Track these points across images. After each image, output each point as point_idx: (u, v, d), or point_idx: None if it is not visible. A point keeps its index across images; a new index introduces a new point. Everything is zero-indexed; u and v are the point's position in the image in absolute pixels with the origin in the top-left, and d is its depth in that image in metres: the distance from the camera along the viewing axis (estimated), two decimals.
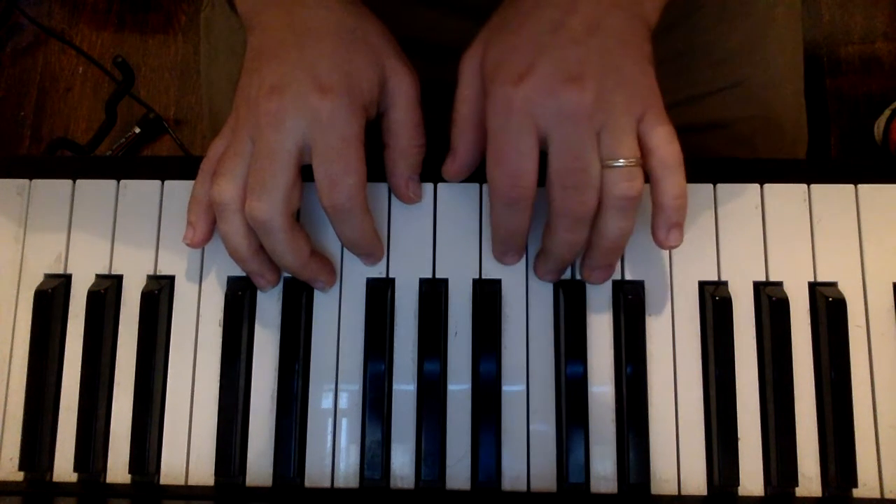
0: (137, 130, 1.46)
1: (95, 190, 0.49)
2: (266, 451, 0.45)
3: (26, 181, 0.49)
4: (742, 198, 0.47)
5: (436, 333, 0.45)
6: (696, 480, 0.44)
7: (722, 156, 0.60)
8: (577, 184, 0.40)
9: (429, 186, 0.47)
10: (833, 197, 0.47)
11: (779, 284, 0.46)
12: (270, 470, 0.45)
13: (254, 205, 0.41)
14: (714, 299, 0.45)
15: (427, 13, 0.57)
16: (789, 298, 0.45)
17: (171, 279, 0.47)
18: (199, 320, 0.47)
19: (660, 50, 0.42)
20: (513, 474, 0.45)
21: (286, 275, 0.47)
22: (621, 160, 0.40)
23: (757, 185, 0.47)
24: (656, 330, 0.46)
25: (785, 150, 0.64)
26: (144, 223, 0.48)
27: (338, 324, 0.46)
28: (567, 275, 0.46)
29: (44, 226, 0.48)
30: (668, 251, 0.47)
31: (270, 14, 0.44)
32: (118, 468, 0.46)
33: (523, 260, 0.47)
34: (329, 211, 0.42)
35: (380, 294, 0.46)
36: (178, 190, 0.48)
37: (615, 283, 0.46)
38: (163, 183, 0.49)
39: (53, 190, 0.49)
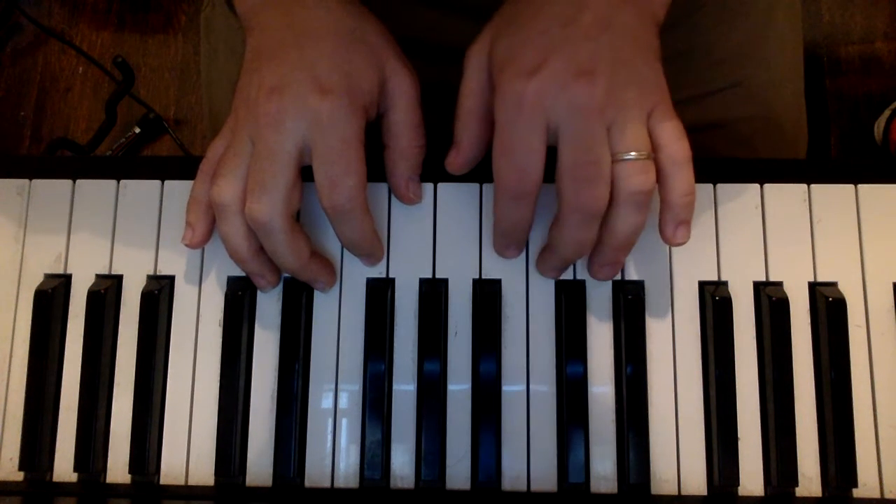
0: (137, 130, 1.46)
1: (95, 190, 0.49)
2: (266, 451, 0.45)
3: (26, 181, 0.49)
4: (742, 198, 0.47)
5: (436, 333, 0.45)
6: (696, 480, 0.44)
7: (722, 156, 0.60)
8: (589, 177, 0.39)
9: (429, 186, 0.47)
10: (833, 197, 0.47)
11: (779, 284, 0.46)
12: (270, 470, 0.45)
13: (254, 206, 0.41)
14: (714, 299, 0.45)
15: (427, 13, 0.57)
16: (789, 298, 0.45)
17: (171, 279, 0.47)
18: (199, 320, 0.47)
19: (660, 50, 0.42)
20: (513, 474, 0.45)
21: (286, 275, 0.47)
22: (633, 153, 0.39)
23: (757, 185, 0.47)
24: (656, 330, 0.46)
25: (785, 150, 0.64)
26: (144, 223, 0.48)
27: (338, 324, 0.46)
28: (567, 275, 0.46)
29: (44, 226, 0.48)
30: (668, 251, 0.47)
31: (270, 14, 0.44)
32: (118, 468, 0.46)
33: (523, 261, 0.47)
34: (329, 212, 0.42)
35: (380, 294, 0.46)
36: (178, 190, 0.48)
37: (615, 283, 0.46)
38: (163, 183, 0.49)
39: (53, 190, 0.49)
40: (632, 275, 0.47)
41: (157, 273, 0.48)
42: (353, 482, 0.45)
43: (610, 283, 0.46)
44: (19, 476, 0.46)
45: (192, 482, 0.45)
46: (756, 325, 0.46)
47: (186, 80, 1.53)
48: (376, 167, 0.46)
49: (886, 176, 0.47)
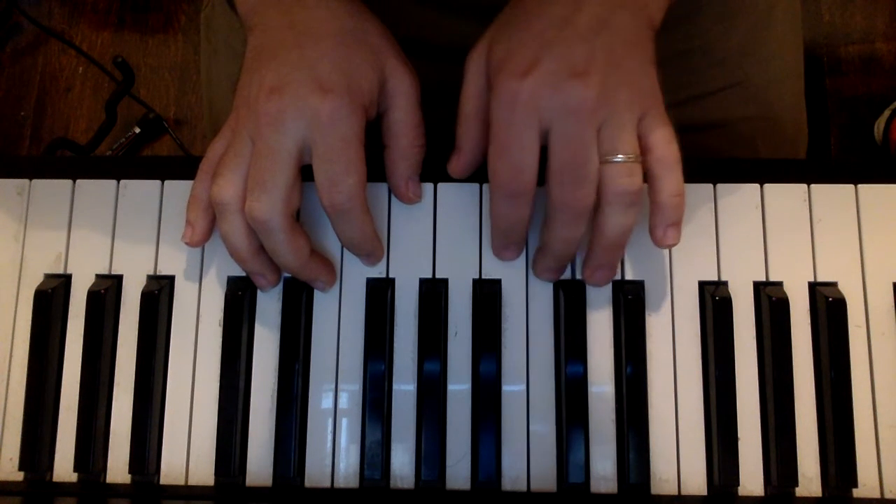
0: (137, 130, 1.46)
1: (95, 190, 0.49)
2: (266, 451, 0.45)
3: (26, 181, 0.49)
4: (742, 198, 0.47)
5: (436, 333, 0.45)
6: (696, 480, 0.44)
7: (722, 156, 0.60)
8: (575, 178, 0.40)
9: (429, 186, 0.47)
10: (833, 197, 0.47)
11: (779, 284, 0.46)
12: (270, 470, 0.45)
13: (254, 205, 0.41)
14: (714, 299, 0.45)
15: (427, 13, 0.57)
16: (789, 298, 0.45)
17: (171, 279, 0.47)
18: (199, 320, 0.47)
19: (660, 50, 0.42)
20: (513, 474, 0.45)
21: (286, 275, 0.47)
22: (620, 155, 0.40)
23: (757, 185, 0.47)
24: (656, 330, 0.46)
25: (785, 150, 0.64)
26: (144, 223, 0.48)
27: (338, 324, 0.46)
28: (567, 275, 0.46)
29: (44, 226, 0.48)
30: (668, 251, 0.47)
31: (270, 14, 0.44)
32: (118, 468, 0.46)
33: (523, 260, 0.47)
34: (329, 211, 0.42)
35: (380, 294, 0.46)
36: (178, 190, 0.48)
37: (615, 283, 0.46)
38: (163, 183, 0.49)
39: (53, 190, 0.49)
40: (632, 275, 0.47)
41: (157, 273, 0.48)
42: (353, 482, 0.45)
43: (610, 282, 0.46)
44: (19, 476, 0.46)
45: (192, 482, 0.45)
46: (756, 325, 0.46)
47: (186, 80, 1.53)
48: (376, 167, 0.46)
49: (886, 176, 0.47)
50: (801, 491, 0.44)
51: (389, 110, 0.45)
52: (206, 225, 0.45)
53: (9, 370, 0.47)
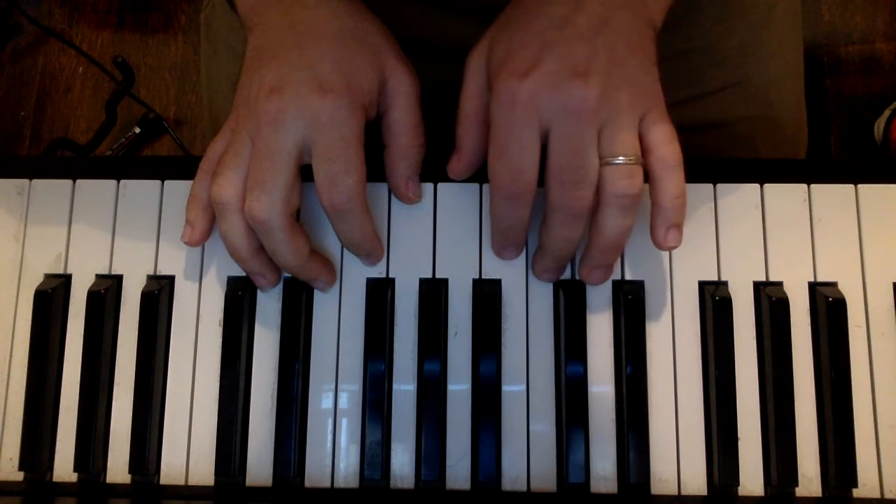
0: (137, 130, 1.46)
1: (95, 190, 0.49)
2: (266, 451, 0.45)
3: (26, 181, 0.49)
4: (742, 198, 0.47)
5: (436, 333, 0.45)
6: (696, 480, 0.44)
7: (722, 156, 0.60)
8: (574, 179, 0.40)
9: (429, 186, 0.47)
10: (833, 197, 0.47)
11: (779, 284, 0.46)
12: (270, 470, 0.45)
13: (253, 204, 0.41)
14: (714, 299, 0.45)
15: (427, 13, 0.57)
16: (789, 298, 0.45)
17: (171, 279, 0.47)
18: (199, 320, 0.47)
19: (660, 49, 0.42)
20: (513, 474, 0.45)
21: (286, 275, 0.47)
22: (621, 157, 0.40)
23: (757, 185, 0.47)
24: (656, 330, 0.46)
25: (785, 150, 0.64)
26: (144, 223, 0.48)
27: (338, 324, 0.46)
28: (567, 275, 0.46)
29: (44, 226, 0.48)
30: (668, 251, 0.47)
31: (270, 14, 0.44)
32: (118, 468, 0.46)
33: (523, 260, 0.47)
34: (329, 211, 0.42)
35: (380, 294, 0.46)
36: (178, 190, 0.48)
37: (615, 283, 0.46)
38: (163, 183, 0.49)
39: (53, 190, 0.49)
40: (632, 275, 0.47)
41: (157, 273, 0.48)
42: (353, 482, 0.45)
43: (610, 282, 0.46)
44: (19, 476, 0.46)
45: (192, 482, 0.45)
46: (756, 325, 0.46)
47: (186, 80, 1.53)
48: (376, 167, 0.46)
49: (886, 176, 0.47)
50: (801, 491, 0.44)
51: (389, 110, 0.45)
52: (206, 224, 0.45)
53: (9, 370, 0.47)
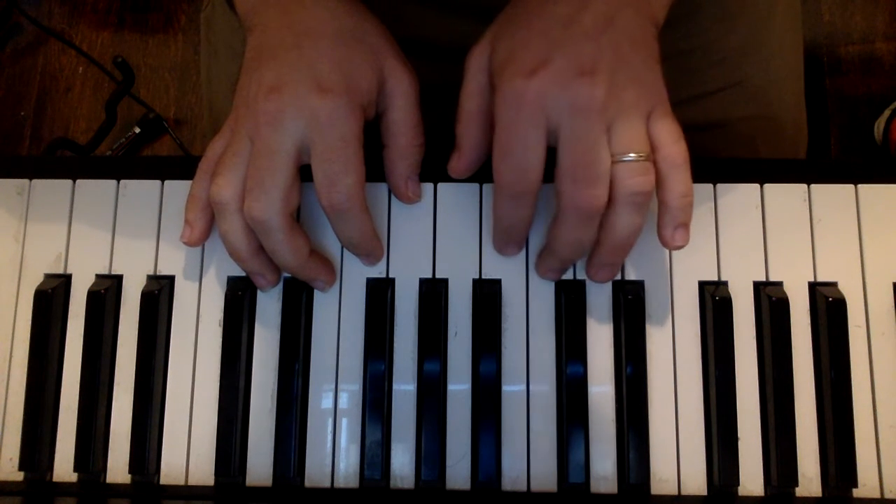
0: (137, 130, 1.46)
1: (95, 190, 0.49)
2: (266, 451, 0.45)
3: (26, 181, 0.49)
4: (742, 198, 0.47)
5: (436, 333, 0.45)
6: (696, 480, 0.44)
7: (722, 156, 0.60)
8: (587, 177, 0.39)
9: (429, 186, 0.47)
10: (833, 197, 0.47)
11: (779, 284, 0.46)
12: (270, 470, 0.45)
13: (252, 204, 0.41)
14: (714, 299, 0.45)
15: (427, 13, 0.57)
16: (789, 298, 0.45)
17: (171, 279, 0.47)
18: (199, 320, 0.47)
19: (660, 49, 0.42)
20: (513, 474, 0.45)
21: (286, 275, 0.47)
22: (632, 154, 0.39)
23: (757, 185, 0.47)
24: (656, 330, 0.46)
25: (785, 150, 0.64)
26: (144, 223, 0.48)
27: (338, 324, 0.46)
28: (567, 275, 0.46)
29: (44, 226, 0.48)
30: (668, 251, 0.47)
31: (270, 14, 0.44)
32: (118, 468, 0.46)
33: (524, 261, 0.47)
34: (328, 211, 0.42)
35: (380, 294, 0.46)
36: (178, 190, 0.48)
37: (615, 283, 0.46)
38: (163, 183, 0.49)
39: (53, 190, 0.49)
40: (632, 275, 0.47)
41: (157, 273, 0.48)
42: (353, 482, 0.45)
43: (610, 282, 0.46)
44: (19, 476, 0.46)
45: (192, 482, 0.45)
46: (756, 325, 0.46)
47: (186, 80, 1.53)
48: (376, 167, 0.46)
49: (886, 176, 0.47)
50: (801, 491, 0.44)
51: (388, 110, 0.45)
52: (205, 225, 0.45)
53: (9, 370, 0.47)
